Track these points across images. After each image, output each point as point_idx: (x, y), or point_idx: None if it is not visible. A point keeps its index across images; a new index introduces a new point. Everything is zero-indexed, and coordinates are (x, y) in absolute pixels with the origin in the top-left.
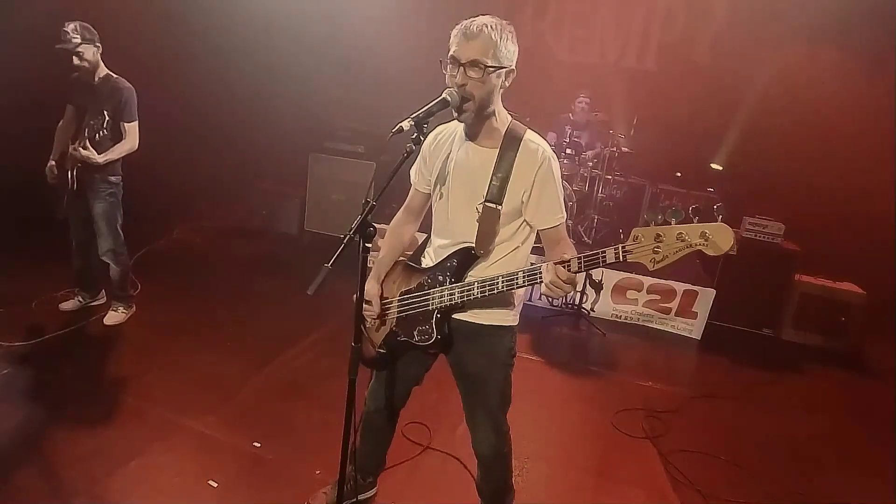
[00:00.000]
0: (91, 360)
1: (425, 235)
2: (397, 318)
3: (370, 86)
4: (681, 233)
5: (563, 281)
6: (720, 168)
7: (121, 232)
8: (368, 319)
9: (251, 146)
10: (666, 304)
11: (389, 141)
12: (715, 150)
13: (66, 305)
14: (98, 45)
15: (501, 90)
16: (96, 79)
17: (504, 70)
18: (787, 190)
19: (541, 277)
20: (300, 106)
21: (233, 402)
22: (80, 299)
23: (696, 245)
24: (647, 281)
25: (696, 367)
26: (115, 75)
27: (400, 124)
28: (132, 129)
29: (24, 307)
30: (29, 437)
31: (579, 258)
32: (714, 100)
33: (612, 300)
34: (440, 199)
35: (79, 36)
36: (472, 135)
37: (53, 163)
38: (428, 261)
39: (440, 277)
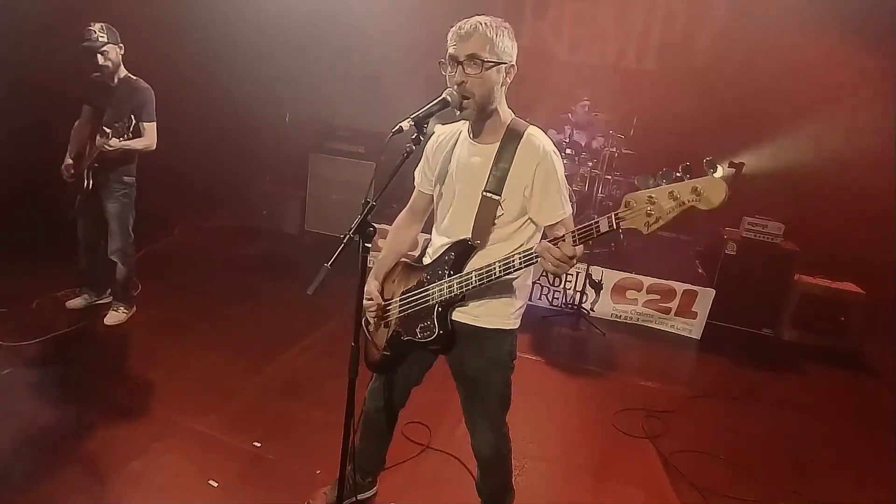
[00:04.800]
0: (91, 360)
1: (427, 237)
2: (399, 317)
3: (371, 86)
4: (672, 191)
5: (560, 258)
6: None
7: (132, 233)
8: (371, 321)
9: (252, 146)
10: (666, 304)
11: (389, 141)
12: (715, 150)
13: (73, 303)
14: (120, 45)
15: (503, 88)
16: (115, 80)
17: (503, 66)
18: (787, 190)
19: (537, 257)
20: (301, 106)
21: (233, 401)
22: (87, 297)
23: (688, 202)
24: (647, 281)
25: (696, 366)
26: (133, 77)
27: (400, 124)
28: (151, 129)
29: (24, 307)
30: (29, 437)
31: (573, 232)
32: (714, 100)
33: (611, 300)
34: (441, 198)
35: (105, 35)
36: (474, 133)
37: (70, 161)
38: (428, 260)
39: (439, 272)
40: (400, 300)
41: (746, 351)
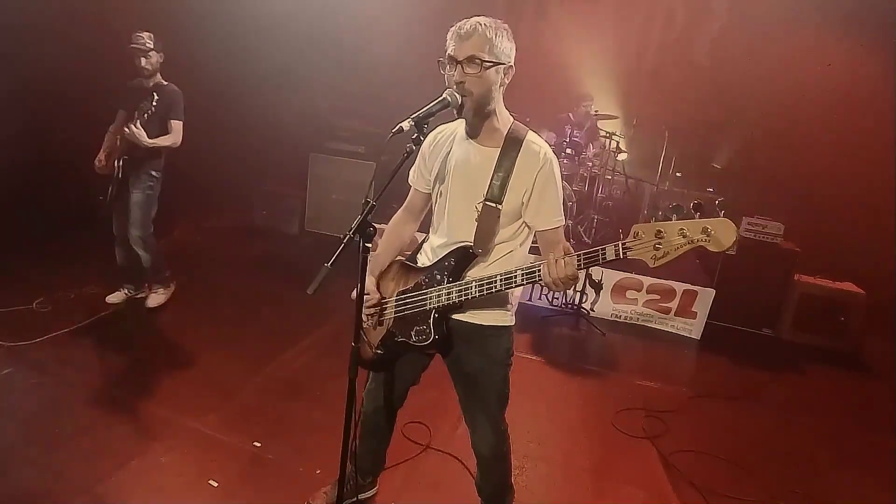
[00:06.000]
0: (91, 360)
1: (425, 235)
2: (395, 318)
3: (371, 86)
4: (682, 228)
5: (562, 278)
6: (719, 167)
7: (152, 224)
8: (366, 319)
9: (252, 146)
10: (666, 304)
11: (389, 141)
12: (715, 150)
13: (113, 298)
14: (161, 53)
15: (502, 88)
16: (151, 83)
17: (502, 66)
18: (787, 190)
19: (539, 275)
20: (301, 106)
21: (233, 401)
22: (127, 292)
23: (697, 241)
24: (647, 281)
25: (696, 366)
26: (166, 82)
27: (400, 124)
28: (178, 127)
29: (25, 306)
30: (30, 437)
31: (579, 255)
32: (714, 100)
33: (611, 300)
34: (439, 197)
35: (151, 43)
36: (472, 134)
37: (103, 155)
38: (425, 259)
39: (438, 277)
40: (396, 300)
41: (746, 351)
